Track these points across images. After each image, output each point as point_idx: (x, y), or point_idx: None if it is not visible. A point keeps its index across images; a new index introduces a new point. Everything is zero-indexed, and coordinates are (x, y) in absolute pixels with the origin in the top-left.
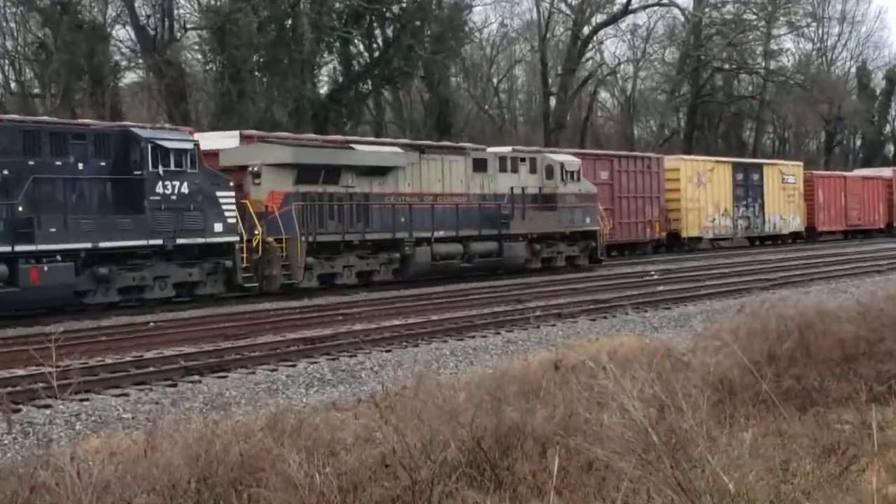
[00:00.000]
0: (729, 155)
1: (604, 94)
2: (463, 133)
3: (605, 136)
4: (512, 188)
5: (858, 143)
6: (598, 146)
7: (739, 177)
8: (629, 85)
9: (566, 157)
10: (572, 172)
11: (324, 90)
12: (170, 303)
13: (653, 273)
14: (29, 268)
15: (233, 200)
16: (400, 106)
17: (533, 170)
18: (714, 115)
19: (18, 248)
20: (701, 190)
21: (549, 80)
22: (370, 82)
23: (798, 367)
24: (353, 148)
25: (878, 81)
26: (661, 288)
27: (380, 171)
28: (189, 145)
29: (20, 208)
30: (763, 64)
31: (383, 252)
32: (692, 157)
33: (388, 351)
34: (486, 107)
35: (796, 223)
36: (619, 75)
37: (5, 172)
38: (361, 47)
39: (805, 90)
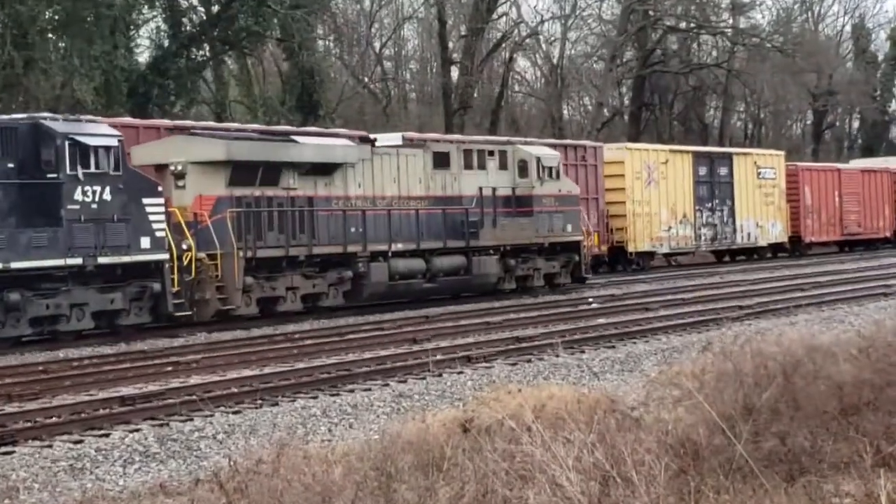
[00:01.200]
0: (688, 142)
1: (523, 63)
2: (335, 115)
3: (525, 117)
4: (480, 188)
5: (856, 125)
6: (516, 131)
7: (702, 171)
8: (555, 50)
9: (543, 150)
10: (550, 168)
11: (143, 58)
12: (81, 337)
13: (591, 300)
14: None
15: (162, 209)
16: (249, 79)
17: (503, 165)
18: (668, 89)
19: None
20: (652, 189)
21: (450, 45)
22: (207, 47)
23: (783, 423)
24: (295, 141)
25: (881, 43)
26: (601, 320)
27: (325, 170)
28: (113, 142)
29: None
30: (730, 21)
31: (332, 270)
32: (640, 145)
33: (236, 412)
34: (367, 80)
35: (777, 232)
36: (542, 37)
37: None
38: (195, 0)
39: (785, 56)
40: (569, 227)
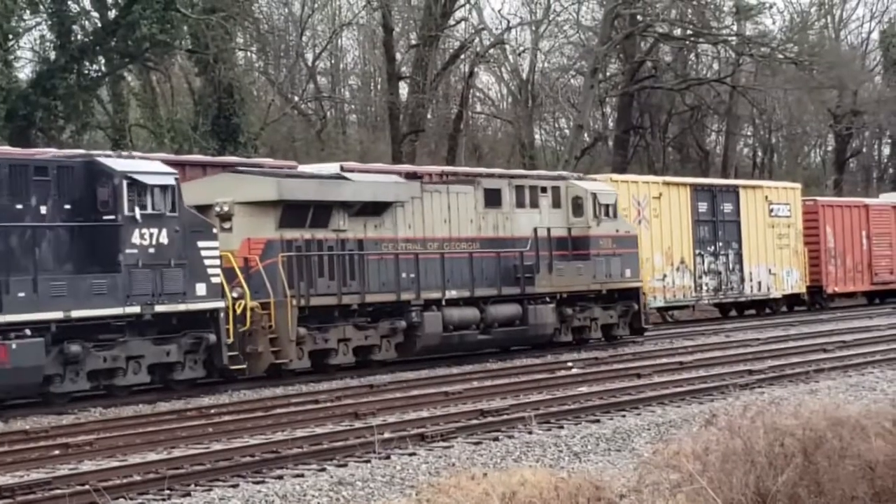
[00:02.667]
0: (686, 172)
1: (486, 78)
2: (259, 142)
3: (489, 144)
4: (535, 229)
5: (886, 151)
6: (479, 161)
7: (703, 207)
8: (525, 62)
9: (599, 186)
10: (607, 206)
11: (25, 74)
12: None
13: (570, 365)
14: None
15: (217, 253)
16: (154, 99)
17: (556, 203)
18: (660, 109)
19: None
20: (643, 228)
21: (398, 56)
22: (103, 61)
23: None
24: (347, 178)
25: None
26: (583, 389)
27: (376, 210)
28: (170, 180)
29: None
30: (735, 28)
31: (384, 320)
32: (628, 176)
33: None
34: (297, 99)
35: (793, 281)
36: (508, 47)
37: None
38: (87, 2)
39: (801, 69)
40: (627, 272)
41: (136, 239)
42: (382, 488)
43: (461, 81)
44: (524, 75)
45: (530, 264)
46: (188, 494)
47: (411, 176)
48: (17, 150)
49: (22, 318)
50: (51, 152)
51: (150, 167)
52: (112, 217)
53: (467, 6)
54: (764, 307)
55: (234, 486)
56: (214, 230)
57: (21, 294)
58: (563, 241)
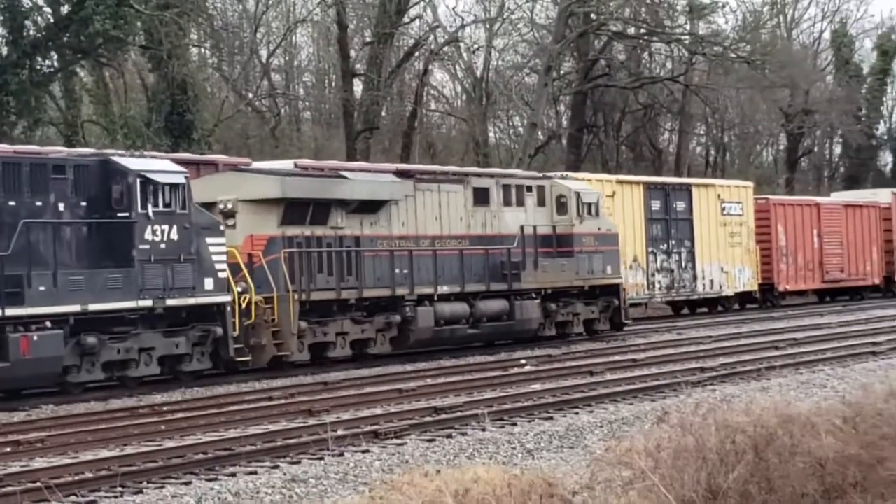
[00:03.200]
0: (639, 171)
1: (440, 76)
2: (213, 138)
3: (443, 141)
4: (522, 227)
5: (837, 150)
6: (432, 156)
7: (655, 205)
8: (479, 60)
9: (582, 186)
10: (590, 205)
11: None
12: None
13: (524, 362)
14: (18, 337)
15: (224, 249)
16: (107, 95)
17: (541, 202)
18: (614, 107)
19: (9, 311)
20: None
21: (353, 54)
22: (55, 56)
23: None
24: (345, 177)
25: (866, 54)
26: (536, 386)
27: (372, 207)
28: (181, 178)
29: (6, 262)
30: (688, 27)
31: (379, 314)
32: (581, 174)
33: (91, 502)
34: (251, 96)
35: (745, 279)
36: (462, 45)
37: None
38: None
39: (753, 68)
40: (608, 269)
41: (148, 235)
42: (336, 485)
43: (416, 79)
44: (478, 73)
45: (517, 261)
46: (140, 492)
47: (404, 174)
48: (33, 149)
49: (42, 311)
50: (65, 151)
51: (162, 166)
52: (126, 214)
53: (422, 4)
54: (716, 305)
55: (187, 484)
56: (221, 227)
57: (42, 288)
58: (547, 239)
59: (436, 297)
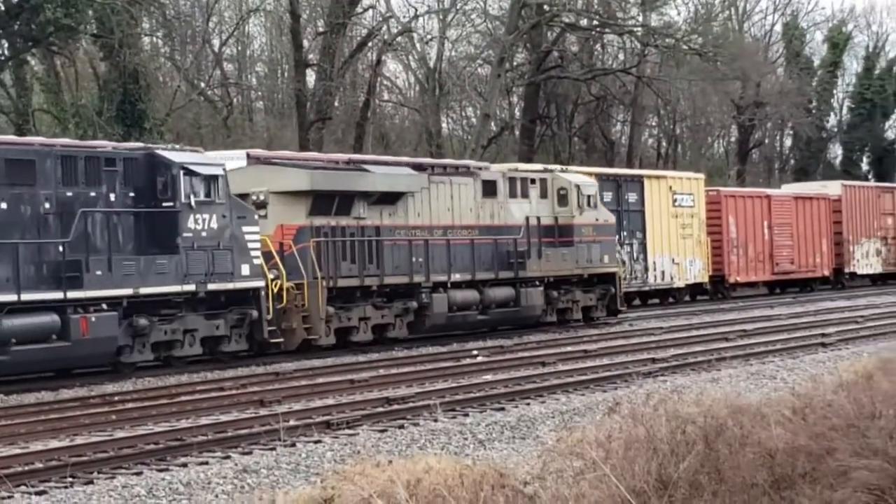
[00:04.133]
0: (591, 162)
1: (393, 66)
2: (164, 128)
3: (396, 132)
4: (527, 218)
5: (788, 142)
6: (385, 147)
7: (608, 196)
8: (432, 51)
9: (581, 178)
10: (589, 197)
11: None
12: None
13: (476, 353)
14: (79, 318)
15: (258, 237)
16: (58, 84)
17: (544, 194)
18: (567, 99)
19: (70, 294)
20: None
21: (306, 44)
22: (6, 45)
23: (704, 499)
24: (367, 170)
25: (817, 46)
26: (488, 377)
27: (391, 199)
28: (219, 171)
29: (68, 248)
30: (640, 19)
31: (398, 300)
32: (533, 166)
33: (41, 492)
34: (203, 85)
35: (696, 270)
36: (416, 36)
37: (47, 205)
38: None
39: (705, 60)
40: (605, 258)
41: (191, 224)
42: (287, 476)
43: (368, 69)
44: (431, 64)
45: (523, 250)
46: (91, 482)
47: (418, 168)
48: (84, 143)
49: (99, 294)
50: (110, 144)
51: (203, 158)
52: (171, 204)
53: None
54: (667, 296)
55: (138, 474)
56: (256, 216)
57: (98, 272)
58: (550, 229)
59: (449, 285)
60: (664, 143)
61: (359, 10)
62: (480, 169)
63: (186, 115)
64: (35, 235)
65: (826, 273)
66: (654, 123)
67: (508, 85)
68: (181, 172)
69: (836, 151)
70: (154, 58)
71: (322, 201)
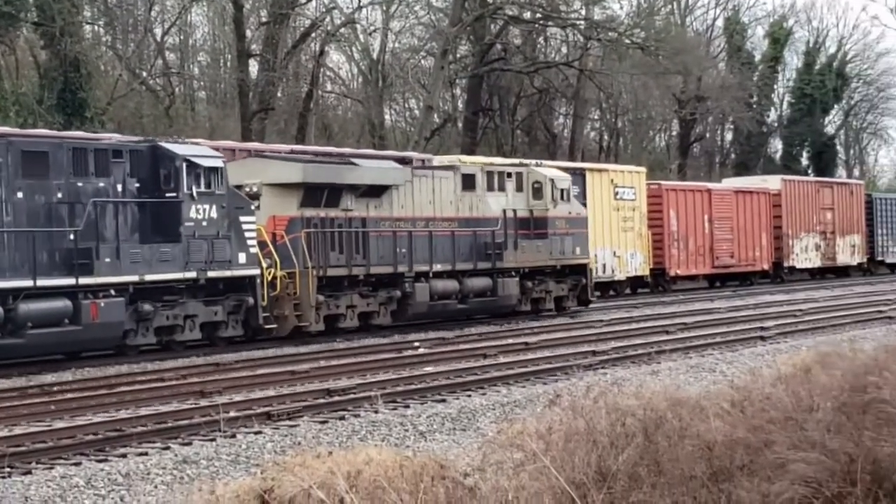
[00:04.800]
0: (533, 155)
1: (336, 57)
2: (105, 117)
3: (339, 123)
4: (504, 211)
5: (729, 137)
6: (328, 138)
7: None
8: (376, 43)
9: (555, 172)
10: (562, 191)
11: None
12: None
13: (417, 345)
14: (89, 303)
15: (254, 227)
16: None
17: (519, 187)
18: (509, 91)
19: (82, 280)
20: None
21: (248, 34)
22: None
23: (643, 491)
24: (355, 164)
25: (758, 41)
26: (429, 369)
27: (377, 192)
28: (220, 163)
29: (78, 236)
30: (583, 12)
31: (382, 290)
32: (476, 158)
33: None
34: (145, 74)
35: (637, 263)
36: (359, 27)
37: (59, 195)
38: None
39: (647, 54)
40: (577, 250)
41: (192, 213)
42: (227, 467)
43: (312, 60)
44: (375, 55)
45: (500, 242)
46: (29, 472)
47: (403, 161)
48: (94, 136)
49: (108, 280)
50: (116, 137)
51: (204, 151)
52: (174, 194)
53: None
54: (608, 289)
55: (77, 465)
56: (252, 206)
57: (107, 259)
58: (525, 222)
59: (431, 275)
60: (606, 137)
61: (302, 0)
62: (459, 164)
63: (128, 105)
64: (48, 224)
65: (766, 267)
66: (596, 117)
67: (451, 77)
68: (184, 164)
69: (777, 146)
70: (95, 46)
71: (313, 193)
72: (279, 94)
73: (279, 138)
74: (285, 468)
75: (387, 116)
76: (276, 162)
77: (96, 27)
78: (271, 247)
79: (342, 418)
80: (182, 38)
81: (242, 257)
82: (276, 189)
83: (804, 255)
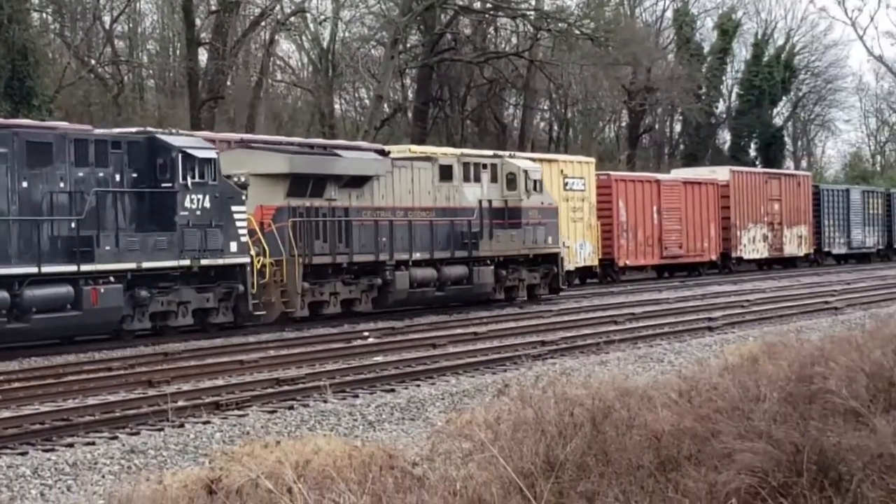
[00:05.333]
0: (484, 145)
1: (286, 46)
2: (54, 105)
3: (288, 112)
4: (480, 201)
5: (678, 128)
6: (278, 127)
7: None
8: (326, 32)
9: (528, 164)
10: (535, 182)
11: None
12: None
13: (367, 335)
14: (90, 289)
15: (245, 216)
16: None
17: (494, 178)
18: (460, 82)
19: (83, 267)
20: None
21: (198, 22)
22: None
23: (591, 480)
24: (339, 155)
25: (707, 33)
26: (379, 358)
27: (359, 182)
28: (213, 154)
29: (80, 224)
30: (533, 2)
31: (364, 277)
32: (426, 147)
33: None
34: (94, 62)
35: (586, 254)
36: (309, 16)
37: (61, 185)
38: None
39: (597, 45)
40: (549, 240)
41: (187, 203)
42: (175, 456)
43: (261, 49)
44: (325, 44)
45: (476, 231)
46: None
47: (382, 153)
48: (92, 128)
49: (108, 268)
50: (115, 129)
51: (198, 143)
52: (169, 185)
53: None
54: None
55: (23, 454)
56: (243, 196)
57: (107, 247)
58: (500, 212)
59: (410, 263)
60: (556, 127)
61: None
62: (437, 155)
63: (76, 93)
64: (51, 213)
65: (714, 258)
66: (546, 107)
67: (402, 67)
68: (179, 155)
69: (725, 137)
70: (43, 34)
71: (299, 183)
72: (229, 83)
73: (229, 127)
74: (233, 458)
75: (337, 106)
76: (263, 152)
77: (44, 14)
78: (260, 235)
79: (291, 408)
80: (131, 26)
81: (233, 246)
82: (263, 179)
83: (752, 245)
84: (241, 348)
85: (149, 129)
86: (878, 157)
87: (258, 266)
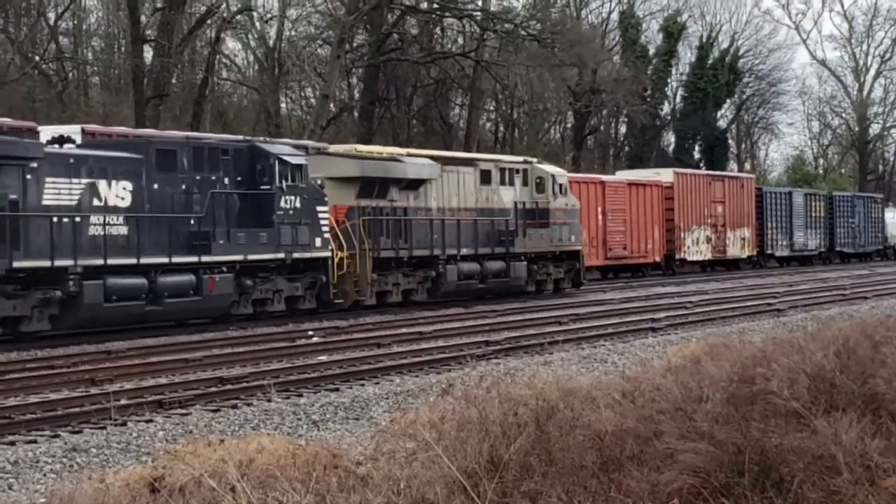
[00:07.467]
0: (429, 145)
1: (232, 45)
2: None
3: (234, 110)
4: (515, 203)
5: (623, 130)
6: (223, 125)
7: None
8: (272, 30)
9: (555, 169)
10: (561, 185)
11: None
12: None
13: (311, 334)
14: (208, 278)
15: (328, 215)
16: None
17: (525, 182)
18: (406, 81)
19: (203, 258)
20: None
21: (143, 19)
22: None
23: (534, 480)
24: (401, 160)
25: (652, 35)
26: (323, 357)
27: (416, 185)
28: (303, 160)
29: (200, 221)
30: (480, 3)
31: (420, 270)
32: (371, 147)
33: None
34: (38, 59)
35: None
36: (255, 14)
37: (183, 187)
38: None
39: (543, 46)
40: (573, 238)
41: (282, 203)
42: (118, 455)
43: (207, 47)
44: (271, 43)
45: (512, 230)
46: None
47: (435, 159)
48: (206, 136)
49: (222, 259)
50: (216, 137)
51: (291, 150)
52: (268, 187)
53: None
54: None
55: None
56: (326, 198)
57: (221, 241)
58: (531, 212)
59: (458, 258)
60: (501, 128)
61: None
62: (479, 161)
63: (20, 89)
64: (175, 211)
65: (657, 259)
66: (492, 108)
67: (348, 66)
68: (276, 161)
69: (670, 139)
70: None
71: (367, 186)
72: (174, 81)
73: (174, 125)
74: (176, 457)
75: (283, 105)
76: (337, 158)
77: None
78: (337, 230)
79: (235, 407)
80: (76, 22)
81: (318, 241)
82: (337, 182)
83: (695, 247)
84: (185, 347)
85: (247, 137)
86: (821, 160)
87: (336, 259)
